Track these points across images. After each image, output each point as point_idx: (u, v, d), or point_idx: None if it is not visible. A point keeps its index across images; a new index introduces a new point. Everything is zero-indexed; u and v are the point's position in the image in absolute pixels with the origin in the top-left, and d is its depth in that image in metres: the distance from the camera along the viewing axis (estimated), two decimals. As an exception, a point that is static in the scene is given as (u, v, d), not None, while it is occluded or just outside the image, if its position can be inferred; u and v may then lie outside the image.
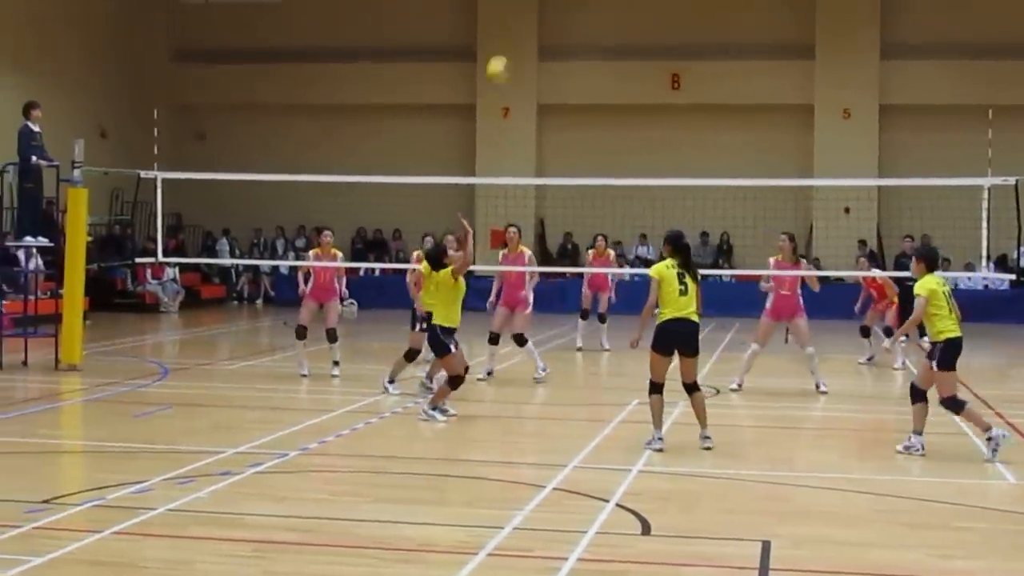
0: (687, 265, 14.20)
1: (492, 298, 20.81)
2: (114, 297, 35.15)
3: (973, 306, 34.76)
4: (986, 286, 36.35)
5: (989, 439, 13.84)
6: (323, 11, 40.91)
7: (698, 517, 11.11)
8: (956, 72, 37.91)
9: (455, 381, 16.15)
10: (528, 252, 21.34)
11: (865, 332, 24.31)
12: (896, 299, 23.39)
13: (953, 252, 34.21)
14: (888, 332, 23.50)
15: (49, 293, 24.86)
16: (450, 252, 16.97)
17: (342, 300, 20.45)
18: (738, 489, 12.46)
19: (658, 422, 14.21)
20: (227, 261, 39.32)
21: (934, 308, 13.97)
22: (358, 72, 40.68)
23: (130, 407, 16.53)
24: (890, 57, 38.28)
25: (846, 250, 32.97)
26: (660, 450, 14.00)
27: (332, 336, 20.49)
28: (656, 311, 14.19)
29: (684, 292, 14.05)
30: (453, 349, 16.04)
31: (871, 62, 38.28)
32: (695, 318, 14.15)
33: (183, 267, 37.07)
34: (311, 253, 21.47)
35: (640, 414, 16.64)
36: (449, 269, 16.22)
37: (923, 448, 14.08)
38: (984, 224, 22.15)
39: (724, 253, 38.17)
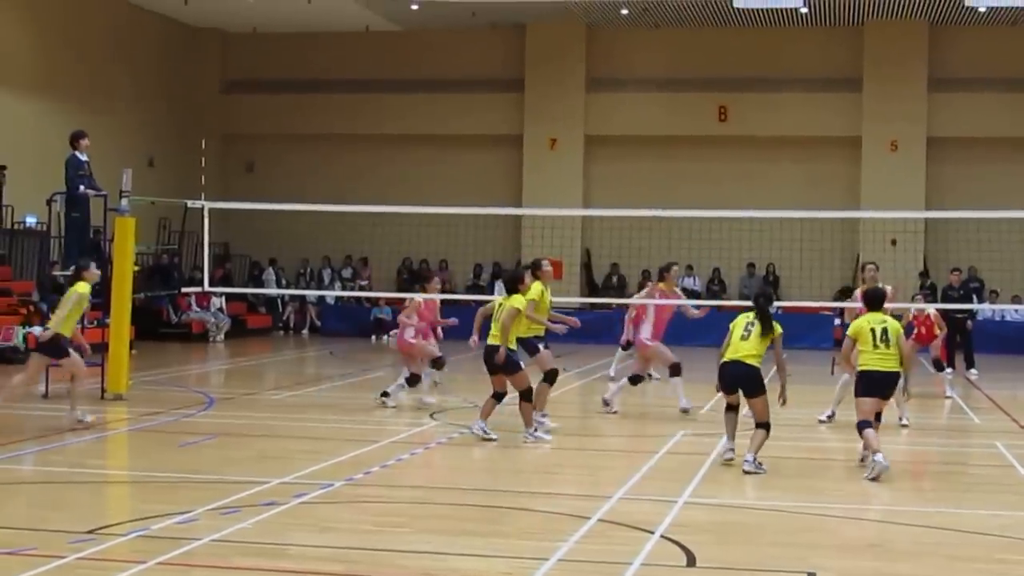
0: (762, 316, 15.10)
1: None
2: (160, 326, 35.25)
3: (1020, 338, 34.78)
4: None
5: (873, 461, 14.39)
6: (370, 41, 41.07)
7: (744, 549, 11.05)
8: (1003, 105, 37.79)
9: (529, 393, 16.72)
10: None
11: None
12: (940, 331, 23.20)
13: (1001, 284, 34.12)
14: (938, 365, 23.38)
15: (96, 322, 24.93)
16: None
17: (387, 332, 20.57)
18: (783, 521, 12.39)
19: (729, 432, 15.27)
20: (273, 291, 39.46)
21: (861, 344, 14.95)
22: (405, 102, 40.82)
23: (175, 437, 16.57)
24: (937, 90, 38.19)
25: (893, 282, 32.73)
26: (730, 460, 14.93)
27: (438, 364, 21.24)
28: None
29: (745, 338, 14.97)
30: (523, 365, 16.67)
31: (918, 95, 38.18)
32: (752, 362, 14.92)
33: (230, 297, 37.18)
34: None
35: (686, 445, 16.62)
36: (520, 298, 16.71)
37: (884, 462, 14.41)
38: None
39: (771, 284, 38.07)
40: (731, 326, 15.18)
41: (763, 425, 14.87)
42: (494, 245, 38.70)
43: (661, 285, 21.12)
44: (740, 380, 14.96)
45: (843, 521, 12.43)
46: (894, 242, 34.80)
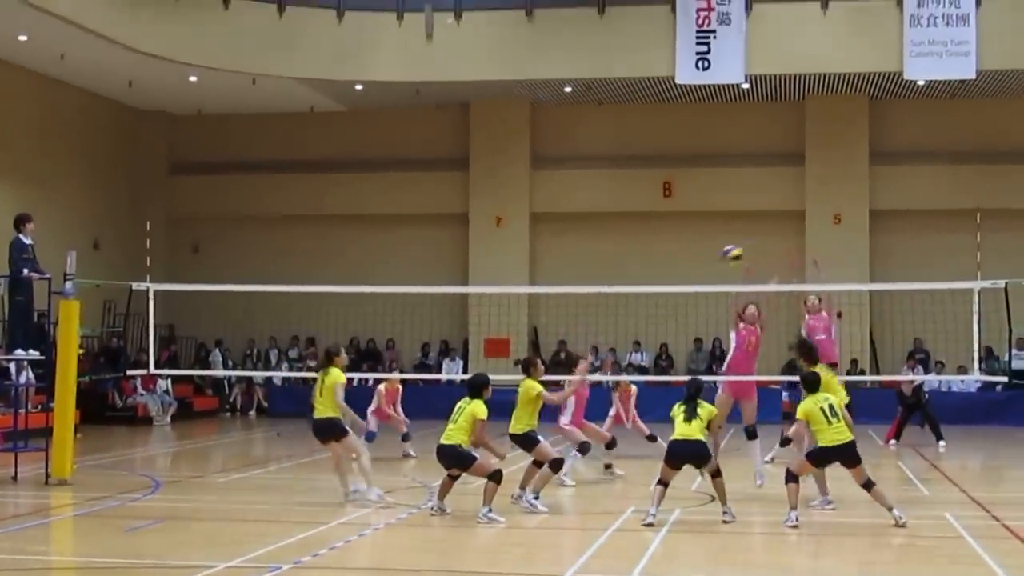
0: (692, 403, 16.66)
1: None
2: (106, 410, 35.01)
3: (967, 409, 34.98)
4: (979, 388, 36.35)
5: (791, 520, 16.08)
6: (316, 121, 41.15)
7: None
8: (944, 177, 38.17)
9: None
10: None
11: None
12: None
13: (946, 355, 34.30)
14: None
15: (40, 406, 24.71)
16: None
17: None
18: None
19: (656, 501, 16.24)
20: (220, 372, 39.28)
21: (815, 425, 16.38)
22: (351, 182, 40.89)
23: (121, 521, 16.41)
24: (879, 163, 38.54)
25: (839, 355, 32.87)
26: (650, 524, 15.81)
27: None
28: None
29: (688, 421, 16.48)
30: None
31: (860, 168, 38.51)
32: (699, 437, 16.47)
33: (176, 379, 36.96)
34: (382, 387, 25.93)
35: (635, 521, 16.57)
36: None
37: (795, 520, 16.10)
38: (976, 327, 22.19)
39: (717, 359, 38.12)
40: (672, 415, 16.68)
41: (718, 473, 16.55)
42: (441, 323, 38.69)
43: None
44: (689, 457, 16.48)
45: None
46: (839, 314, 34.89)
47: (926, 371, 33.86)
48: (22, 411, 22.88)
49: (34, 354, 21.83)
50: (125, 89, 37.76)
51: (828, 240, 38.00)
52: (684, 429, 16.43)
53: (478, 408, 16.83)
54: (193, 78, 36.42)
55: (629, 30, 35.19)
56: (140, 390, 35.65)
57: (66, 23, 30.55)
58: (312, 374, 20.38)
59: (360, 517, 17.09)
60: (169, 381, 36.37)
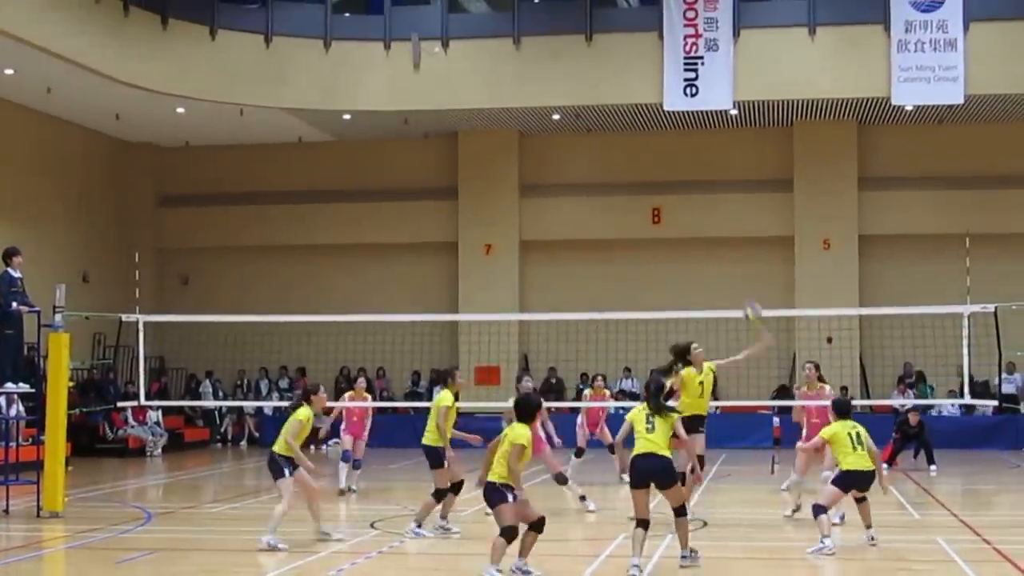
0: (656, 406, 14.92)
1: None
2: (96, 442, 34.92)
3: (957, 433, 35.01)
4: (971, 412, 36.37)
5: (821, 545, 15.98)
6: (304, 152, 41.17)
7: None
8: (933, 202, 38.20)
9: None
10: None
11: None
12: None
13: (936, 379, 34.34)
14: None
15: (31, 440, 24.70)
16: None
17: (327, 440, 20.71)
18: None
19: (637, 549, 14.55)
20: (211, 403, 39.20)
21: (839, 448, 16.70)
22: (339, 212, 40.87)
23: (113, 554, 16.37)
24: (867, 188, 38.56)
25: (829, 380, 32.87)
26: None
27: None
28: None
29: (651, 430, 14.79)
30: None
31: (849, 193, 38.54)
32: (664, 453, 14.74)
33: (166, 410, 36.90)
34: (347, 395, 25.54)
35: (626, 548, 16.53)
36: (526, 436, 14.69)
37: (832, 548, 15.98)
38: (965, 351, 22.24)
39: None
40: (630, 419, 15.01)
41: (682, 511, 15.00)
42: (431, 352, 38.67)
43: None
44: (654, 474, 14.61)
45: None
46: (830, 340, 35.00)
47: (918, 398, 33.91)
48: (13, 444, 22.84)
49: (24, 387, 21.79)
50: (112, 122, 37.77)
51: (817, 265, 38.03)
52: (645, 442, 14.75)
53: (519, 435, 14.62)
54: (181, 110, 36.45)
55: (616, 57, 35.27)
56: (131, 422, 35.58)
57: (52, 56, 30.55)
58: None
59: (353, 546, 17.07)
60: (160, 413, 36.32)
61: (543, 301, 38.42)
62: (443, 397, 18.53)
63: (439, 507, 18.20)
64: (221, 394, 40.30)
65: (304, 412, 17.69)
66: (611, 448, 25.01)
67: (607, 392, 26.35)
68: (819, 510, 16.28)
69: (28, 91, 33.85)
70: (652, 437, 14.65)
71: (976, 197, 37.78)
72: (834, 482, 16.72)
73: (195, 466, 32.66)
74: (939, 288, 33.88)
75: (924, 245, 38.15)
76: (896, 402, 31.52)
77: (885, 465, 28.30)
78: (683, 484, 16.15)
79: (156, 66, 33.78)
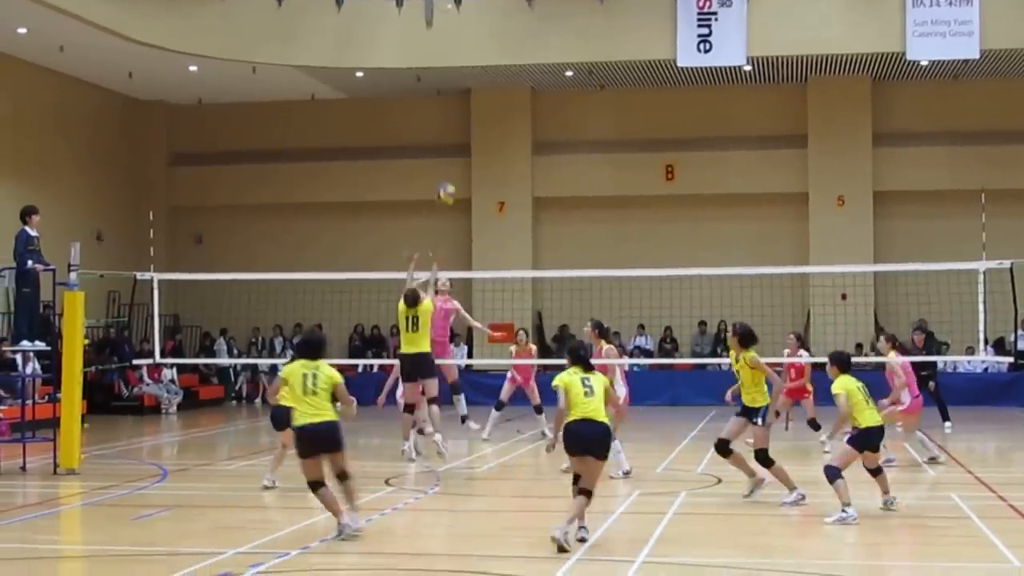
0: (586, 367, 14.18)
1: None
2: (112, 400, 35.03)
3: (973, 390, 34.97)
4: (985, 369, 36.35)
5: (844, 512, 15.06)
6: (316, 109, 41.11)
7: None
8: (947, 157, 38.09)
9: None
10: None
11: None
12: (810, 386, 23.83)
13: (951, 336, 34.26)
14: (813, 425, 23.33)
15: (47, 397, 24.77)
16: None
17: None
18: (743, 579, 12.38)
19: (577, 513, 13.80)
20: (225, 361, 39.29)
21: (855, 402, 15.58)
22: (352, 170, 40.84)
23: (129, 510, 16.43)
24: (882, 144, 38.47)
25: (844, 336, 32.93)
26: (564, 550, 13.27)
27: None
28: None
29: (589, 394, 13.89)
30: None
31: (863, 150, 38.44)
32: (603, 419, 13.85)
33: (181, 368, 36.98)
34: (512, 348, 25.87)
35: (641, 505, 16.58)
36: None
37: (856, 517, 15.05)
38: (981, 308, 22.18)
39: (722, 342, 38.10)
40: (563, 385, 13.94)
41: (589, 493, 13.81)
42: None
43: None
44: (594, 441, 13.71)
45: (803, 577, 12.42)
46: (844, 297, 34.95)
47: (931, 352, 33.85)
48: (29, 402, 22.93)
49: (40, 345, 21.87)
50: (125, 80, 37.71)
51: (831, 222, 37.98)
52: (584, 407, 13.85)
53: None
54: (193, 68, 36.39)
55: (630, 13, 35.10)
56: (146, 380, 35.67)
57: (65, 15, 30.47)
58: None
59: (367, 503, 17.10)
60: (174, 370, 36.40)
61: (556, 258, 38.37)
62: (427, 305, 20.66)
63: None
64: (235, 352, 40.38)
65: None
66: (538, 409, 25.06)
67: (533, 349, 26.58)
68: (834, 474, 15.20)
69: (41, 50, 33.79)
70: (592, 401, 13.84)
71: (991, 153, 37.68)
72: (850, 441, 15.68)
73: (210, 424, 32.75)
74: (954, 244, 33.79)
75: (939, 201, 38.05)
76: (910, 359, 31.37)
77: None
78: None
79: (168, 24, 33.69)
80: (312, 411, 14.40)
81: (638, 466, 19.93)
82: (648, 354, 37.92)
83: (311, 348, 14.88)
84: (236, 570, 12.37)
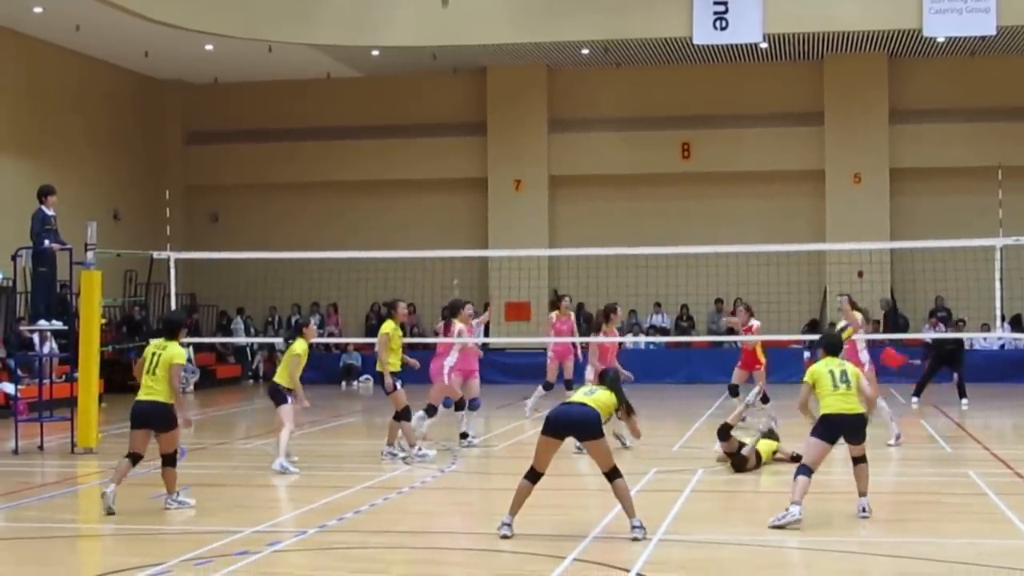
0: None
1: None
2: (129, 379, 34.96)
3: (989, 367, 34.93)
4: (1002, 346, 36.30)
5: (788, 511, 13.58)
6: (332, 88, 41.08)
7: (720, 586, 11.03)
8: (964, 134, 37.97)
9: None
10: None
11: (734, 392, 24.30)
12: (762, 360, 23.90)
13: (968, 313, 34.20)
14: (764, 399, 23.02)
15: (64, 377, 24.81)
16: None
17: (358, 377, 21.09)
18: (759, 555, 12.38)
19: (517, 504, 13.29)
20: (242, 340, 39.34)
21: (820, 388, 14.20)
22: (369, 149, 40.83)
23: (147, 489, 16.45)
24: (898, 121, 38.36)
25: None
26: (506, 536, 12.97)
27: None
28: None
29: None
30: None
31: (880, 127, 38.35)
32: (591, 404, 13.21)
33: (198, 347, 37.03)
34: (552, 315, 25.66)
35: (658, 483, 16.60)
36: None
37: (796, 517, 13.63)
38: (997, 284, 22.14)
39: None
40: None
41: (615, 473, 13.11)
42: (461, 288, 38.58)
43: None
44: (573, 425, 13.21)
45: (819, 554, 12.42)
46: (860, 274, 34.89)
47: (947, 329, 33.82)
48: (46, 381, 22.99)
49: (57, 324, 21.91)
50: (141, 59, 37.71)
51: (848, 199, 37.90)
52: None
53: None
54: (209, 47, 36.38)
55: (645, -9, 35.03)
56: (162, 359, 35.67)
57: (81, -7, 30.52)
58: (333, 340, 20.55)
59: (384, 481, 17.16)
60: (191, 349, 36.43)
61: (572, 237, 38.37)
62: (385, 325, 19.91)
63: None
64: (252, 331, 40.45)
65: (300, 345, 18.90)
66: (568, 384, 24.33)
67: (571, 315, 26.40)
68: (802, 471, 13.91)
69: (57, 29, 33.78)
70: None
71: (1008, 129, 37.55)
72: (813, 433, 14.17)
73: (227, 402, 32.83)
74: (971, 221, 33.77)
75: (956, 178, 37.97)
76: (927, 335, 31.38)
77: (915, 398, 28.38)
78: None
79: (184, 3, 33.65)
80: (146, 390, 15.31)
81: (654, 444, 19.95)
82: (664, 332, 37.91)
83: (166, 327, 15.63)
84: (254, 548, 12.41)
